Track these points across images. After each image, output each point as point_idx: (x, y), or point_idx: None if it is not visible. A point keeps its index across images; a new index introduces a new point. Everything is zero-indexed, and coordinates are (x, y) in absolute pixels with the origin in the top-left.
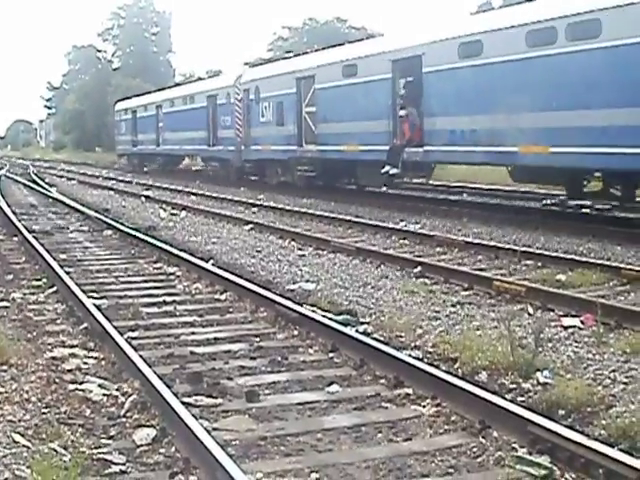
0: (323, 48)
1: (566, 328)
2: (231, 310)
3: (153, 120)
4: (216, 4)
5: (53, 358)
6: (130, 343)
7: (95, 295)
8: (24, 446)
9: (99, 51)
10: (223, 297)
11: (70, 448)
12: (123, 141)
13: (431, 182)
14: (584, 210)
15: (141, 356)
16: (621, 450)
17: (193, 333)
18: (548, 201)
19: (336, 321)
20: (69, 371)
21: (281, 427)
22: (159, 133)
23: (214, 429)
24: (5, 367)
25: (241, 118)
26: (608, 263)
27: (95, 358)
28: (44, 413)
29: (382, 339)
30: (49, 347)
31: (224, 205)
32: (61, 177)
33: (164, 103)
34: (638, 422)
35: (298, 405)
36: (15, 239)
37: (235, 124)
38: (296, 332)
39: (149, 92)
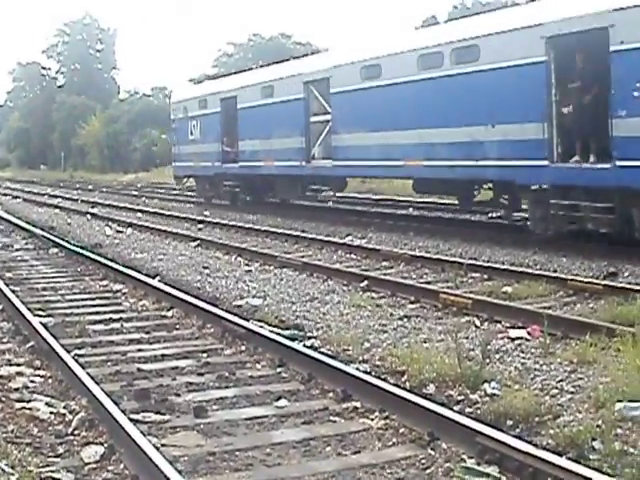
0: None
1: (513, 339)
2: (178, 327)
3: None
4: (161, 21)
5: None
6: (77, 361)
7: (41, 313)
8: None
9: (44, 68)
10: (170, 314)
11: (18, 467)
12: (188, 155)
13: (376, 197)
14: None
15: (88, 373)
16: (569, 459)
17: (140, 350)
18: (493, 214)
19: (283, 336)
20: (16, 390)
21: (230, 442)
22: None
23: (162, 445)
24: None
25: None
26: (554, 274)
27: (42, 376)
28: None
29: (330, 353)
30: None
31: (170, 222)
32: (5, 195)
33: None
34: (585, 431)
35: (246, 420)
36: None
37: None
38: (243, 348)
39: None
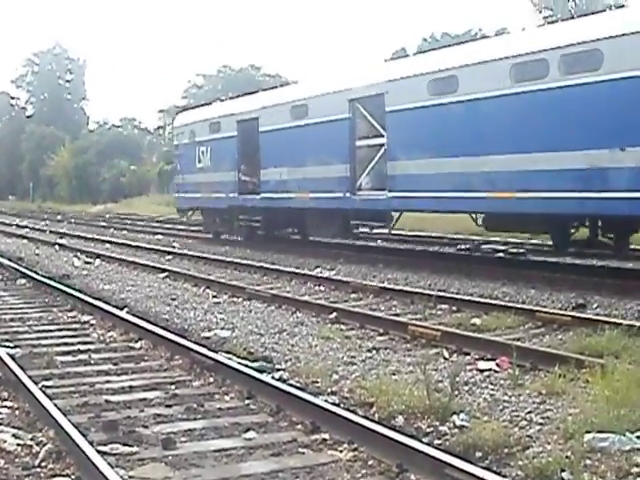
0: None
1: (482, 371)
2: (146, 358)
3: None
4: (130, 52)
5: None
6: (44, 392)
7: (9, 344)
8: None
9: (12, 98)
10: (138, 345)
11: None
12: (195, 184)
13: None
14: (498, 254)
15: (56, 405)
16: None
17: (108, 381)
18: (462, 246)
19: (252, 368)
20: None
21: (198, 474)
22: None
23: (130, 477)
24: None
25: None
26: (523, 306)
27: (9, 407)
28: None
29: (298, 385)
30: None
31: (138, 253)
32: None
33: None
34: (554, 462)
35: (215, 452)
36: None
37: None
38: (212, 379)
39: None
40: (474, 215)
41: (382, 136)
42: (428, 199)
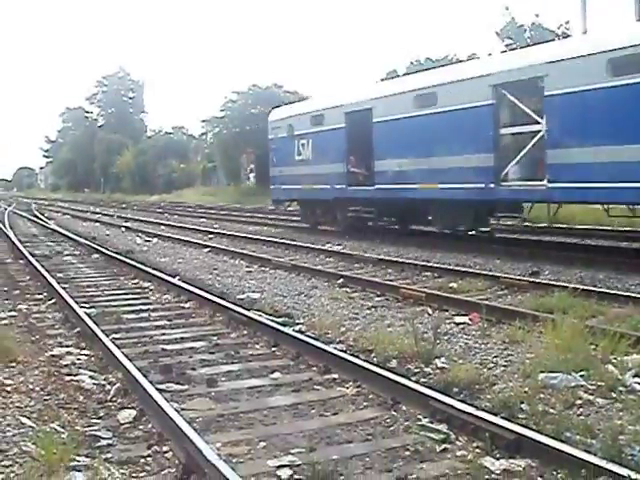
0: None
1: (458, 324)
2: (193, 315)
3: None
4: (179, 73)
5: (52, 356)
6: (114, 342)
7: (86, 305)
8: (29, 427)
9: (87, 112)
10: (187, 305)
11: (67, 427)
12: (294, 176)
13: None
14: (470, 233)
15: (123, 352)
16: (502, 417)
17: (164, 334)
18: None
19: (277, 322)
20: (65, 366)
21: (235, 407)
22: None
23: (182, 409)
24: (13, 364)
25: None
26: (490, 273)
27: (87, 355)
28: (46, 400)
29: (313, 336)
30: (49, 347)
31: (187, 233)
32: (57, 212)
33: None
34: (515, 396)
35: (248, 389)
36: (21, 262)
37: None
38: (245, 332)
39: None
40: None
41: (537, 123)
42: (599, 190)
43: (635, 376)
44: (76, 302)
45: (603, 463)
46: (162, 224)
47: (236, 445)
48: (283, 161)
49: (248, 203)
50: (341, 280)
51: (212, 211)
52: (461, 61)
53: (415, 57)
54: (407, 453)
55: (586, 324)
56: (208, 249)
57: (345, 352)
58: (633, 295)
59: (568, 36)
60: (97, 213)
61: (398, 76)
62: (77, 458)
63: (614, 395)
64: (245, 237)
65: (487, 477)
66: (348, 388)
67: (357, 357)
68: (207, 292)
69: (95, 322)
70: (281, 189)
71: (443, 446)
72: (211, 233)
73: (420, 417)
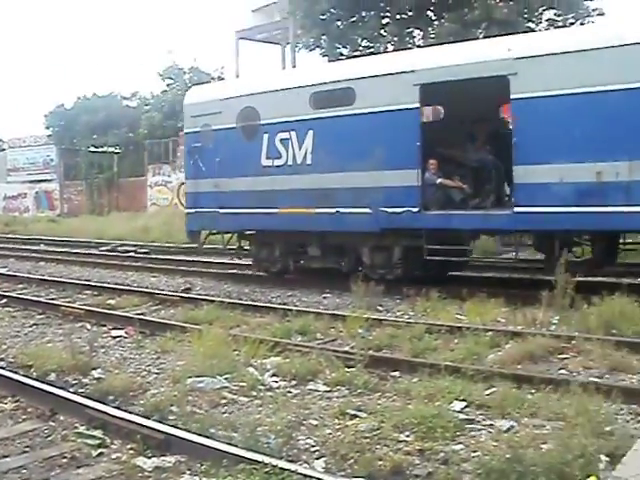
0: None
1: (115, 337)
2: None
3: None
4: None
5: None
6: None
7: None
8: None
9: None
10: None
11: None
12: (246, 195)
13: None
14: (129, 254)
15: None
16: (154, 420)
17: None
18: (103, 248)
19: None
20: None
21: None
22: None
23: None
24: None
25: None
26: (146, 290)
27: None
28: None
29: None
30: None
31: None
32: None
33: None
34: (166, 400)
35: None
36: None
37: None
38: None
39: None
40: None
41: None
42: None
43: (273, 375)
44: None
45: (242, 452)
46: None
47: None
48: (226, 169)
49: None
50: (4, 301)
51: None
52: (126, 98)
53: (82, 93)
54: (64, 460)
55: (230, 333)
56: None
57: (4, 369)
58: (273, 306)
59: (223, 79)
60: None
61: (67, 110)
62: None
63: (254, 393)
64: None
65: (140, 475)
66: (7, 403)
67: (16, 373)
68: None
69: None
70: (217, 215)
71: (99, 450)
72: None
73: (77, 425)
